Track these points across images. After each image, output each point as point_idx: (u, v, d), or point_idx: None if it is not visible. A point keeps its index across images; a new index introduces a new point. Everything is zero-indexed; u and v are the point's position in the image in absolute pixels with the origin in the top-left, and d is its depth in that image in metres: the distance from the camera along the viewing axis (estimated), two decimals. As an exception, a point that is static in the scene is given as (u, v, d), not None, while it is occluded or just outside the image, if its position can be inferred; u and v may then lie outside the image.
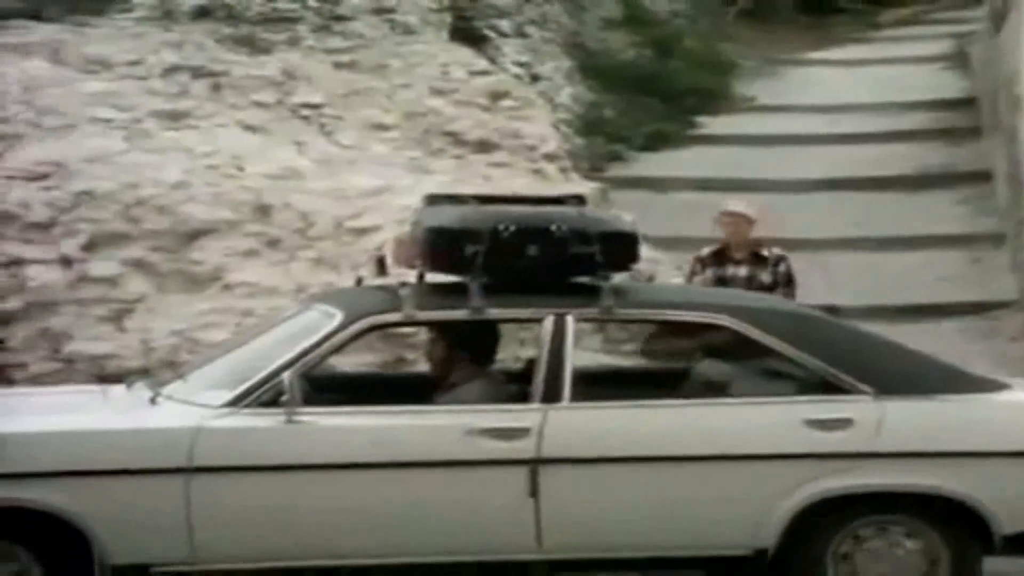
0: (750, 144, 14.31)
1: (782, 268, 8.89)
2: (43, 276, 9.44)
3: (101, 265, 9.52)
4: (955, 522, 6.55)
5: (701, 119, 14.69)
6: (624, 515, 6.38)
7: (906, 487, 6.52)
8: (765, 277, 8.76)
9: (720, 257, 8.85)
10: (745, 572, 6.59)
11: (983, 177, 13.42)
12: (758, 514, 6.41)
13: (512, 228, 6.49)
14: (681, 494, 6.39)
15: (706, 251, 8.92)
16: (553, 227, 6.54)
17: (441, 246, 6.52)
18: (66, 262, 9.51)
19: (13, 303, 9.38)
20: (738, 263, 8.80)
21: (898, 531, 6.55)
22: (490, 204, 6.85)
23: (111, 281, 9.50)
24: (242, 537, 6.24)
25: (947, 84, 16.05)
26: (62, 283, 9.45)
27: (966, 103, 15.23)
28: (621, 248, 6.65)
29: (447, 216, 6.66)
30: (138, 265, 9.55)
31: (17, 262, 9.49)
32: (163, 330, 9.18)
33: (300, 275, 9.54)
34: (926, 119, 14.95)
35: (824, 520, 6.47)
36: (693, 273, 8.90)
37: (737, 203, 9.17)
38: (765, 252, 8.94)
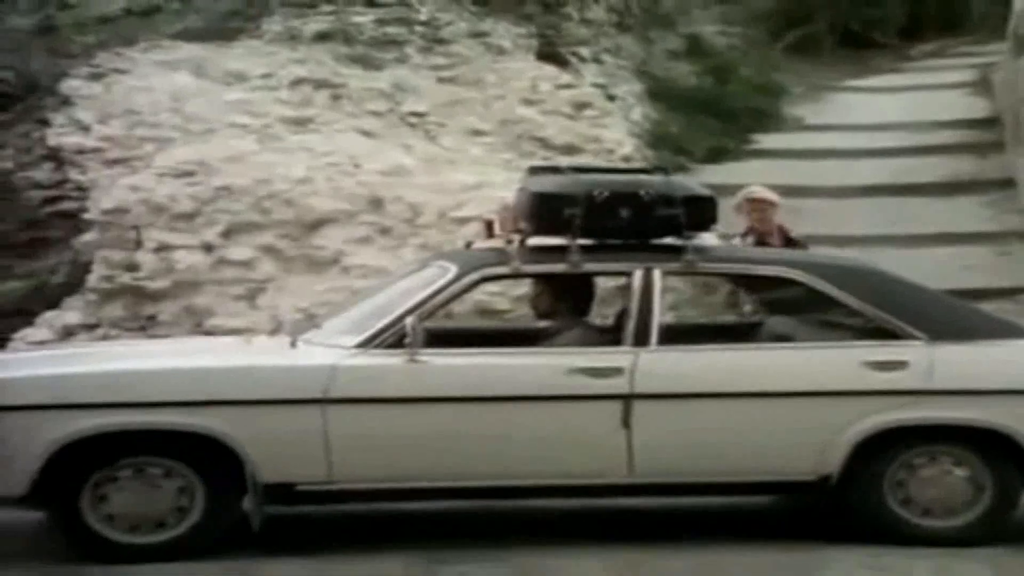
0: (800, 157, 14.23)
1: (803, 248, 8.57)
2: (187, 260, 9.49)
3: (237, 250, 9.55)
4: (999, 453, 6.52)
5: (755, 136, 14.65)
6: (705, 444, 6.39)
7: (955, 421, 6.50)
8: None
9: (756, 245, 8.48)
10: (810, 496, 6.61)
11: (1007, 184, 13.28)
12: (823, 444, 6.42)
13: (606, 193, 6.53)
14: (756, 426, 6.40)
15: (735, 238, 8.50)
16: (642, 192, 6.58)
17: (543, 209, 6.55)
18: (207, 247, 9.55)
19: (162, 283, 9.43)
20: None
21: (947, 461, 6.54)
22: (586, 173, 6.90)
23: (246, 264, 9.53)
24: (372, 460, 6.30)
25: (972, 106, 15.93)
26: (204, 266, 9.49)
27: (990, 122, 15.10)
28: (702, 210, 6.68)
29: (548, 183, 6.70)
30: (268, 250, 9.58)
31: (166, 247, 9.53)
32: (290, 307, 9.20)
33: (408, 259, 9.58)
34: (954, 136, 14.84)
35: (882, 450, 6.47)
36: None
37: (760, 189, 8.84)
38: (794, 235, 8.71)
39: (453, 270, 6.58)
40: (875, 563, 6.25)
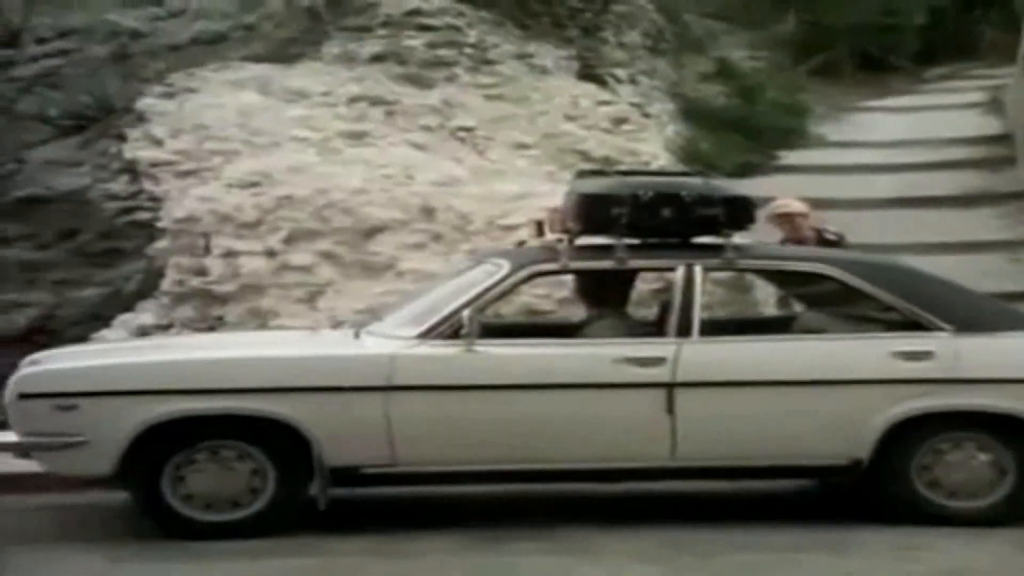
0: (823, 172, 14.17)
1: (844, 245, 8.49)
2: (252, 265, 9.51)
3: (298, 256, 9.55)
4: (1020, 438, 6.47)
5: (781, 152, 14.58)
6: (745, 429, 6.37)
7: (979, 407, 6.46)
8: None
9: None
10: (844, 478, 6.58)
11: (1019, 196, 13.19)
12: (855, 430, 6.39)
13: (650, 194, 6.52)
14: (792, 412, 6.38)
15: None
16: (683, 193, 6.57)
17: (591, 209, 6.55)
18: (270, 253, 9.55)
19: (229, 286, 9.46)
20: None
21: (972, 446, 6.51)
22: (630, 176, 6.90)
23: (306, 269, 9.52)
24: (431, 444, 6.30)
25: (984, 124, 15.84)
26: (267, 270, 9.50)
27: (1001, 138, 14.99)
28: (740, 211, 6.67)
29: (596, 185, 6.71)
30: (327, 256, 9.57)
31: (232, 253, 9.56)
32: (347, 309, 9.17)
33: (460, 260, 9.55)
34: (967, 152, 14.75)
35: (910, 436, 6.43)
36: None
37: (785, 204, 8.62)
38: (831, 236, 8.56)
39: (506, 266, 6.58)
40: (903, 542, 6.21)
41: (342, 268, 9.59)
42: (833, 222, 11.81)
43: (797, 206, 8.67)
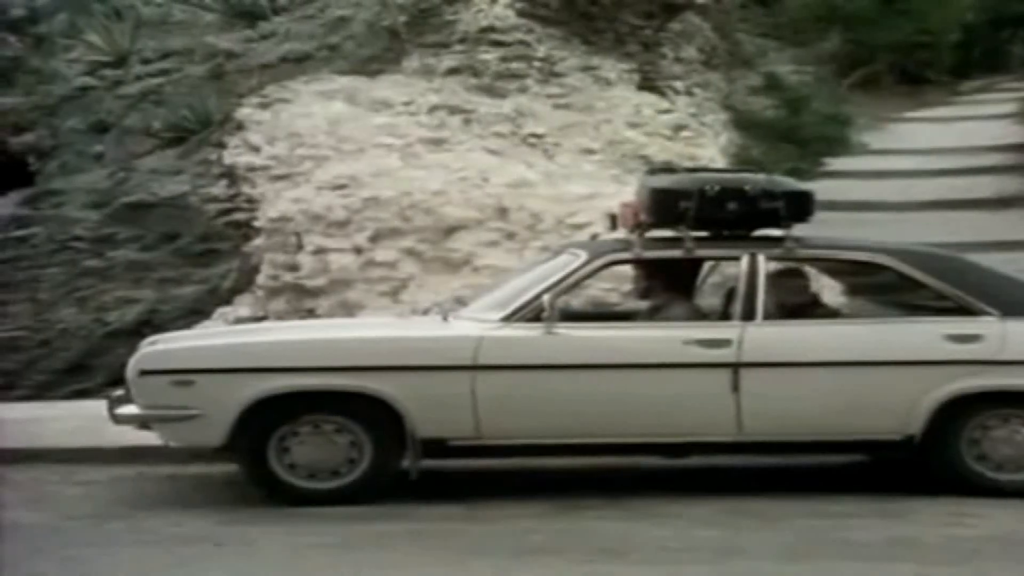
0: (866, 177, 14.15)
1: None
2: (341, 261, 9.56)
3: (383, 253, 9.59)
4: (1064, 415, 6.42)
5: (827, 160, 14.55)
6: (806, 407, 6.36)
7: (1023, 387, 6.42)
8: None
9: None
10: (897, 453, 6.55)
11: (1050, 199, 13.12)
12: (908, 407, 6.36)
13: (716, 188, 6.53)
14: (849, 391, 6.36)
15: None
16: (747, 187, 6.57)
17: (661, 203, 6.56)
18: (357, 250, 9.60)
19: (319, 281, 9.53)
20: None
21: (1017, 422, 6.47)
22: (698, 172, 6.92)
23: (390, 265, 9.56)
24: (513, 419, 6.34)
25: (1015, 132, 15.69)
26: (355, 266, 9.55)
27: (1033, 146, 14.92)
28: (800, 204, 6.67)
29: (665, 180, 6.73)
30: (410, 252, 9.61)
31: (322, 250, 9.62)
32: (428, 301, 9.19)
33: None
34: (1001, 158, 14.63)
35: (959, 413, 6.40)
36: None
37: None
38: None
39: (583, 256, 6.62)
40: (953, 511, 6.19)
41: (423, 264, 9.63)
42: (876, 223, 11.82)
43: None
